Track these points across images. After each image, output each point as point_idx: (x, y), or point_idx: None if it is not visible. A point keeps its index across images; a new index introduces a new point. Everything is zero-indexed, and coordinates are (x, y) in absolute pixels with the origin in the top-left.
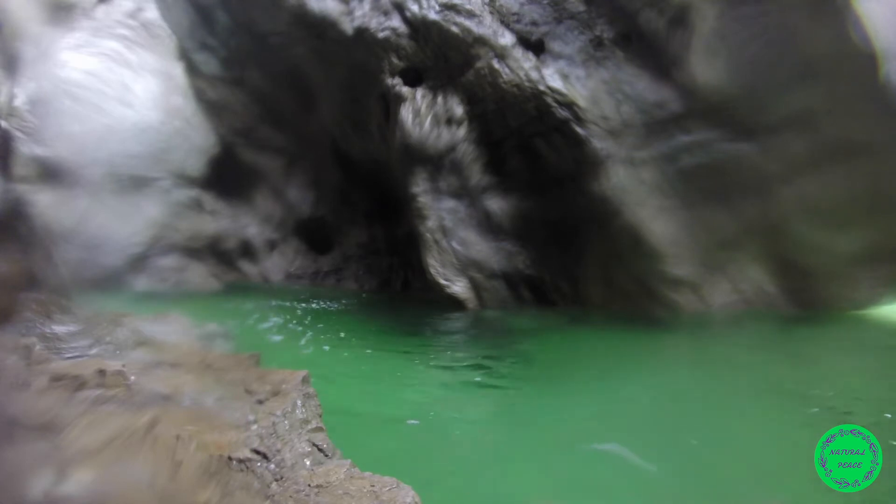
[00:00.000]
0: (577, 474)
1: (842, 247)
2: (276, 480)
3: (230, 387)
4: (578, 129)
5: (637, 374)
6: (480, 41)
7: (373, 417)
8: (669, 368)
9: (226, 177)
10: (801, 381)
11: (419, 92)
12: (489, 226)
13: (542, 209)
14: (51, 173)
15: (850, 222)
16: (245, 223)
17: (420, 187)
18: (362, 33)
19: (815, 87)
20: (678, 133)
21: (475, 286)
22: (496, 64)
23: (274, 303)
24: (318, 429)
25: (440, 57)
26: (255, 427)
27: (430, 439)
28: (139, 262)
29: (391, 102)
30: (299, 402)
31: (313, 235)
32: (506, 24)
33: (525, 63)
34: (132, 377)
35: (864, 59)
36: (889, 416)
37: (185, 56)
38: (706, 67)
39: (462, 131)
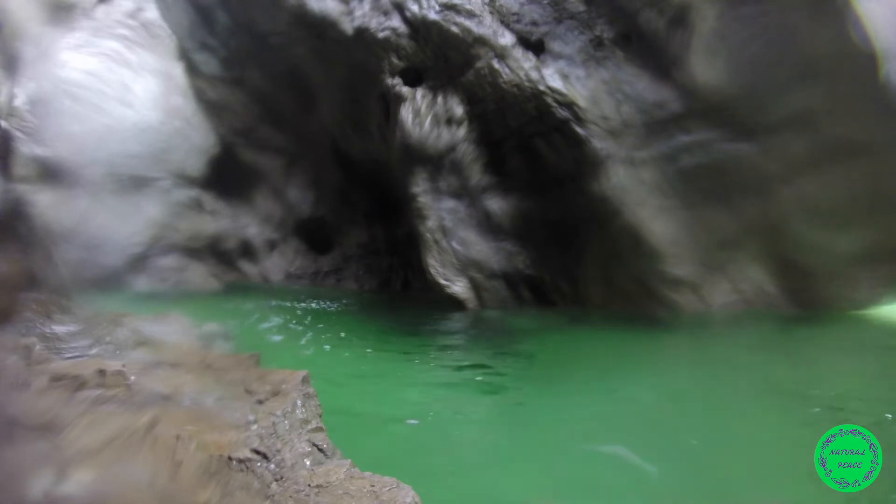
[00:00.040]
0: (577, 474)
1: (842, 247)
2: (276, 480)
3: (230, 387)
4: (578, 129)
5: (637, 374)
6: (480, 41)
7: (373, 417)
8: (669, 368)
9: (226, 177)
10: (801, 381)
11: (419, 92)
12: (489, 226)
13: (542, 209)
14: (51, 173)
15: (850, 222)
16: (245, 223)
17: (420, 187)
18: (362, 33)
19: (815, 87)
20: (678, 133)
21: (475, 286)
22: (496, 64)
23: (274, 303)
24: (318, 429)
25: (440, 57)
26: (255, 427)
27: (430, 439)
28: (139, 262)
29: (391, 102)
30: (299, 402)
31: (313, 235)
32: (506, 24)
33: (525, 63)
34: (132, 377)
35: (864, 59)
36: (890, 416)
37: (185, 56)
38: (706, 67)
39: (462, 131)
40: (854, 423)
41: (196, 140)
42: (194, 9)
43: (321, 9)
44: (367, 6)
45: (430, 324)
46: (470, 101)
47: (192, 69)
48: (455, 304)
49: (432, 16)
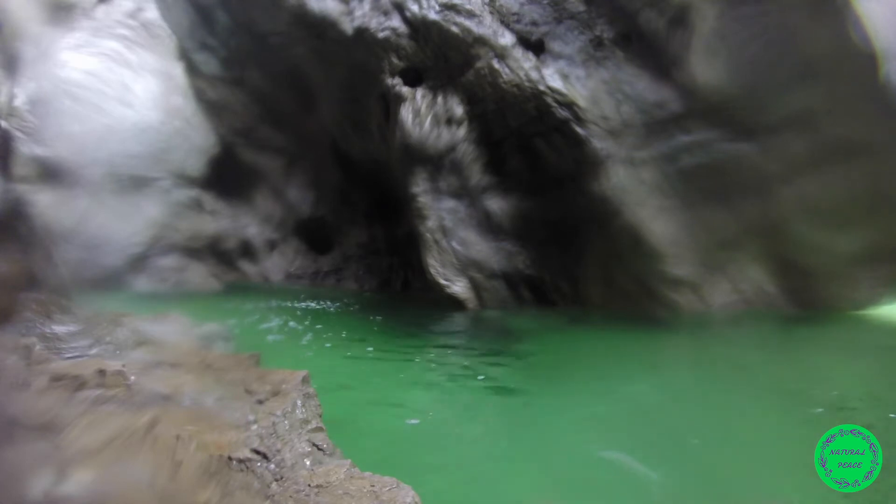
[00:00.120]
0: (578, 474)
1: (842, 247)
2: (276, 480)
3: (230, 387)
4: (578, 129)
5: (637, 373)
6: (480, 41)
7: (373, 417)
8: (670, 368)
9: (226, 177)
10: (802, 382)
11: (419, 92)
12: (489, 226)
13: (542, 209)
14: (51, 173)
15: (850, 222)
16: (245, 223)
17: (420, 187)
18: (362, 33)
19: (815, 87)
20: (678, 133)
21: (475, 286)
22: (496, 64)
23: (274, 303)
24: (318, 429)
25: (440, 57)
26: (255, 427)
27: (431, 439)
28: (139, 262)
29: (391, 102)
30: (299, 402)
31: (313, 235)
32: (506, 24)
33: (525, 63)
34: (132, 377)
35: (864, 59)
36: (894, 415)
37: (185, 56)
38: (706, 67)
39: (462, 131)
40: (858, 423)
41: (196, 140)
42: (194, 9)
43: (321, 9)
44: (367, 6)
45: (430, 324)
46: (470, 101)
47: (192, 69)
48: (455, 304)
49: (432, 16)
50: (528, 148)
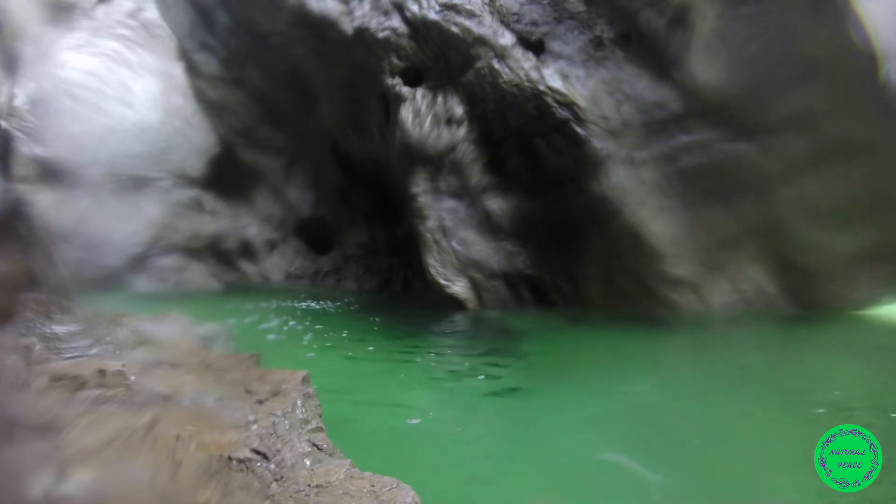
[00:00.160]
0: (578, 474)
1: (842, 247)
2: (276, 480)
3: (230, 387)
4: (578, 129)
5: (637, 374)
6: (480, 41)
7: (373, 417)
8: (670, 368)
9: (226, 177)
10: (802, 381)
11: (419, 92)
12: (489, 226)
13: (542, 209)
14: (51, 173)
15: (850, 222)
16: (245, 223)
17: (420, 187)
18: (362, 33)
19: (815, 87)
20: (678, 133)
21: (475, 286)
22: (496, 64)
23: (274, 303)
24: (318, 429)
25: (440, 57)
26: (255, 427)
27: (431, 439)
28: (139, 262)
29: (391, 102)
30: (299, 402)
31: (313, 235)
32: (506, 24)
33: (525, 63)
34: (132, 377)
35: (864, 59)
36: (894, 416)
37: (185, 56)
38: (706, 67)
39: (462, 131)
40: (858, 423)
41: (196, 140)
42: (194, 9)
43: (321, 9)
44: (367, 6)
45: (430, 324)
46: (470, 101)
47: (192, 69)
48: (455, 304)
49: (432, 16)
50: (528, 148)
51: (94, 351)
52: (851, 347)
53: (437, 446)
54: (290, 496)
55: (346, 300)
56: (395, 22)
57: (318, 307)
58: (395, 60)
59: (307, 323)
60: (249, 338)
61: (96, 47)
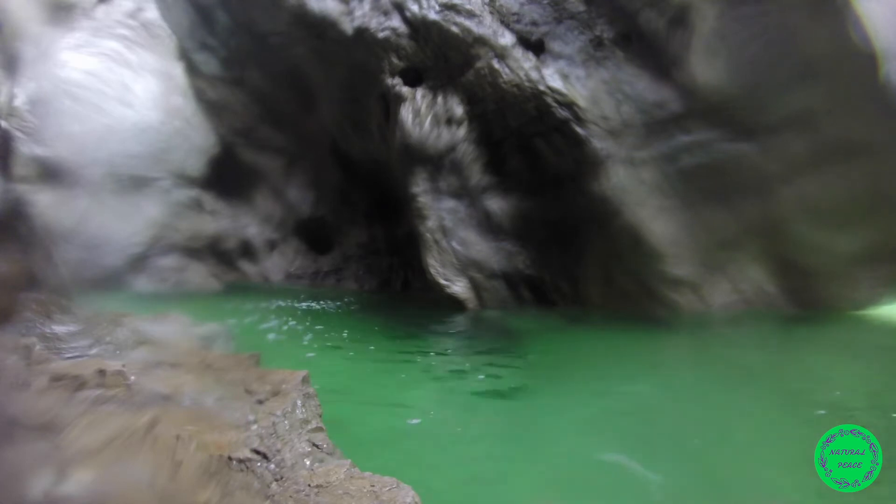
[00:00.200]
0: (578, 474)
1: (842, 247)
2: (276, 480)
3: (230, 387)
4: (578, 129)
5: (637, 374)
6: (480, 41)
7: (373, 417)
8: (670, 368)
9: (226, 177)
10: (802, 382)
11: (419, 92)
12: (489, 226)
13: (542, 209)
14: (51, 173)
15: (850, 222)
16: (245, 223)
17: (420, 187)
18: (362, 33)
19: (815, 87)
20: (678, 133)
21: (475, 286)
22: (496, 64)
23: (274, 303)
24: (318, 429)
25: (440, 57)
26: (255, 427)
27: (431, 439)
28: (139, 262)
29: (391, 102)
30: (299, 402)
31: (313, 235)
32: (506, 24)
33: (525, 63)
34: (132, 377)
35: (864, 59)
36: (894, 415)
37: (185, 56)
38: (706, 67)
39: (462, 131)
40: (858, 423)
41: (196, 140)
42: (194, 9)
43: (321, 9)
44: (367, 6)
45: (430, 324)
46: (470, 101)
47: (192, 69)
48: (455, 304)
49: (432, 16)
50: (528, 148)
51: (94, 351)
52: (851, 347)
53: (437, 446)
54: (290, 496)
55: (346, 300)
56: (395, 22)
57: (318, 307)
58: (395, 60)
59: (307, 323)
60: (249, 338)
61: (96, 47)
